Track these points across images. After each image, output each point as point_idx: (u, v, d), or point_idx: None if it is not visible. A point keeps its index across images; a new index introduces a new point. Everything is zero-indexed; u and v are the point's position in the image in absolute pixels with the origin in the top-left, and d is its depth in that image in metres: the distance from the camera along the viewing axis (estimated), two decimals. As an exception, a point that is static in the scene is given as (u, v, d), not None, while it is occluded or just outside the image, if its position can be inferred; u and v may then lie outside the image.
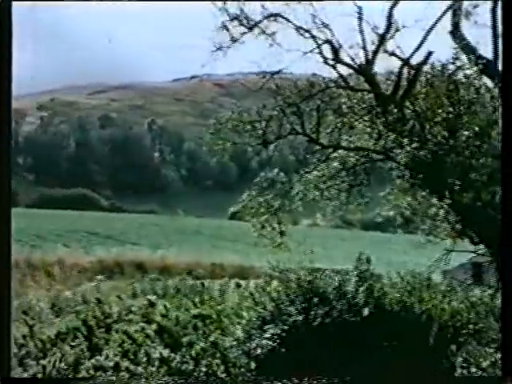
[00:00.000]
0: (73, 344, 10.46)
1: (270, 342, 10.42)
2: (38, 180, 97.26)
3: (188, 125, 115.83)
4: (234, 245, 46.58)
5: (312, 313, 10.91)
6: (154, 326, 10.69)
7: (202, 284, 21.09)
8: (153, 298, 13.34)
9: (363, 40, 15.30)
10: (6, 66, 6.57)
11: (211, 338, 10.26)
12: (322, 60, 15.29)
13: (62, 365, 9.58)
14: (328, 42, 15.17)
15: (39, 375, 9.42)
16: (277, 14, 14.92)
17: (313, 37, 15.08)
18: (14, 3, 8.68)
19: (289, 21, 14.97)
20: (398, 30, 15.30)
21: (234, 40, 14.92)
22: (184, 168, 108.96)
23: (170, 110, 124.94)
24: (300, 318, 10.84)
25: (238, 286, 20.69)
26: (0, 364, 6.37)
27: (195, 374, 9.39)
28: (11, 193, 6.51)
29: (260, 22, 14.95)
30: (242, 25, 14.90)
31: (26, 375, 9.33)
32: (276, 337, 10.55)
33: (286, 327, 10.72)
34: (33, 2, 10.78)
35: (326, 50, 15.26)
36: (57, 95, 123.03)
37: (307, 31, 15.04)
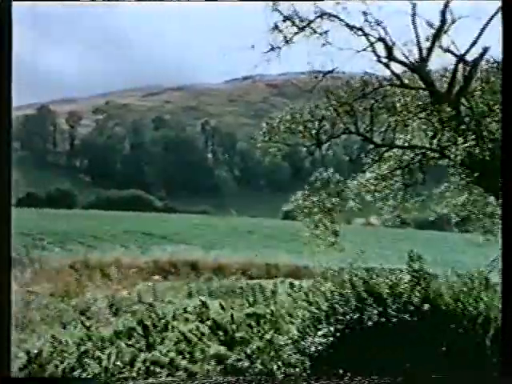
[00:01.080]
0: (129, 342, 10.61)
1: (324, 341, 10.42)
2: (94, 182, 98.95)
3: (241, 125, 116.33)
4: (287, 244, 46.57)
5: (366, 313, 10.86)
6: (208, 325, 10.78)
7: (257, 284, 21.19)
8: (207, 297, 13.44)
9: (417, 37, 15.15)
10: (6, 67, 6.63)
11: (266, 337, 10.30)
12: (375, 58, 15.20)
13: (119, 362, 9.74)
14: (381, 39, 15.07)
15: (94, 370, 9.57)
16: (329, 13, 14.88)
17: (365, 35, 15.00)
18: (14, 2, 8.59)
19: (341, 19, 14.92)
20: (454, 22, 15.04)
21: (286, 40, 14.95)
22: (237, 168, 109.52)
23: (222, 111, 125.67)
24: (354, 317, 10.81)
25: (292, 285, 20.69)
26: (0, 364, 6.44)
27: (250, 371, 9.44)
28: (11, 193, 6.56)
29: (312, 21, 14.94)
30: (294, 25, 14.91)
31: (84, 375, 9.50)
32: (330, 336, 10.54)
33: (340, 326, 10.70)
34: (33, 2, 10.88)
35: (380, 47, 15.16)
36: (112, 98, 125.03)
37: (360, 29, 14.96)
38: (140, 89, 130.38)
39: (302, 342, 10.48)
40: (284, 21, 14.87)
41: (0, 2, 6.75)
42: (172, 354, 9.47)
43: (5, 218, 6.48)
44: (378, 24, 14.90)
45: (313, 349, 10.27)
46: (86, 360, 10.00)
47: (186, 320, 11.55)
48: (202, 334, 10.32)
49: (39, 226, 55.15)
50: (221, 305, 12.45)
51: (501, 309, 9.62)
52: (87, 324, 11.72)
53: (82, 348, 10.21)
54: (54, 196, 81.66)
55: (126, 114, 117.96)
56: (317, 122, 15.40)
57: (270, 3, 14.77)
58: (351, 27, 14.92)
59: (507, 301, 8.79)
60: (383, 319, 10.70)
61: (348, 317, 10.86)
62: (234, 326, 10.79)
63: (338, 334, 10.59)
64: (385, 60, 15.22)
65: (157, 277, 27.42)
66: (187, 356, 9.78)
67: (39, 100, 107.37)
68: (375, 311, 10.82)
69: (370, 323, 10.73)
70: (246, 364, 9.62)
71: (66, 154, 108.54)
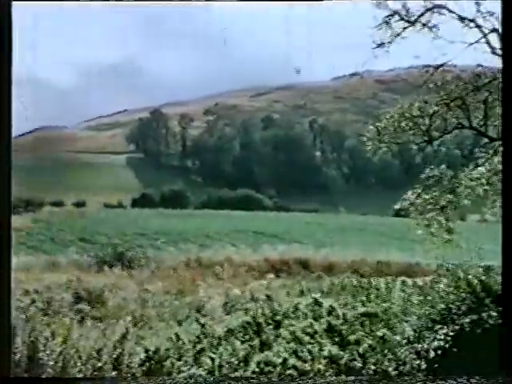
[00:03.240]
0: (243, 340, 10.74)
1: (442, 343, 10.18)
2: (206, 182, 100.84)
3: (349, 122, 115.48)
4: (398, 242, 45.85)
5: (484, 314, 10.52)
6: (321, 324, 10.77)
7: (368, 282, 20.97)
8: (319, 295, 13.42)
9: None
10: (6, 67, 6.72)
11: (379, 336, 10.17)
12: (488, 50, 14.69)
13: (233, 360, 9.87)
14: (495, 30, 14.56)
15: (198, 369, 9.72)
16: (439, 6, 14.52)
17: (478, 26, 14.53)
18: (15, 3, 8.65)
19: (452, 11, 14.52)
20: None
21: (395, 35, 14.71)
22: (346, 166, 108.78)
23: (330, 109, 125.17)
24: (471, 317, 10.50)
25: (404, 283, 20.36)
26: (0, 364, 6.54)
27: (363, 371, 9.36)
28: (11, 193, 6.65)
29: (422, 15, 14.62)
30: (402, 19, 14.65)
31: (199, 372, 9.67)
32: (446, 336, 10.29)
33: (456, 327, 10.43)
34: (33, 2, 11.05)
35: (493, 39, 14.64)
36: (221, 99, 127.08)
37: (472, 21, 14.51)
38: (248, 89, 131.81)
39: (417, 342, 10.30)
40: (392, 16, 14.63)
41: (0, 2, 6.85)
42: (285, 354, 9.51)
43: (5, 220, 6.59)
44: (491, 15, 14.40)
45: (428, 348, 10.07)
46: (201, 357, 10.19)
47: (299, 318, 11.58)
48: (315, 332, 10.32)
49: (154, 226, 56.84)
50: (332, 303, 12.41)
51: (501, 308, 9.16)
52: (202, 321, 11.96)
53: (198, 346, 10.43)
54: (167, 196, 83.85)
55: (236, 115, 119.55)
56: (427, 118, 15.06)
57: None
58: (463, 19, 14.49)
59: (507, 301, 8.36)
60: (501, 320, 10.33)
61: (464, 316, 10.58)
62: (346, 325, 10.73)
63: (454, 334, 10.33)
64: (499, 51, 14.68)
65: (268, 275, 27.69)
66: (299, 355, 9.79)
67: (152, 104, 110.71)
68: (493, 312, 10.46)
69: (487, 325, 10.40)
70: (359, 364, 9.54)
71: (178, 156, 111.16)
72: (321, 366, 9.44)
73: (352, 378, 9.11)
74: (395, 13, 14.61)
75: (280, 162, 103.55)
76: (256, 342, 10.51)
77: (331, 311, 11.48)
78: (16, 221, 61.48)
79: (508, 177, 8.24)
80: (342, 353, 9.58)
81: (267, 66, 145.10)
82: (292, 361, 9.48)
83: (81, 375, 9.69)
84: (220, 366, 9.73)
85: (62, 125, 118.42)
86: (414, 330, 10.54)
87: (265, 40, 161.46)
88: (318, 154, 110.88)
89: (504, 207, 8.50)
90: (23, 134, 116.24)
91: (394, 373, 9.42)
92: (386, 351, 10.03)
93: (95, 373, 9.77)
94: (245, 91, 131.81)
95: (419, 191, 15.26)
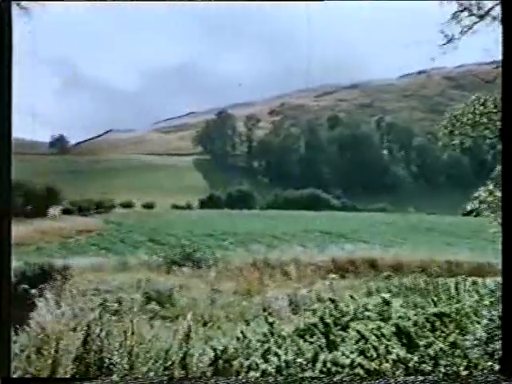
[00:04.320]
0: (311, 340, 10.71)
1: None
2: (272, 182, 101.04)
3: (417, 120, 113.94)
4: (469, 241, 45.00)
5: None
6: (389, 325, 10.63)
7: (438, 282, 20.61)
8: (387, 296, 13.25)
9: None
10: (6, 67, 6.74)
11: (450, 338, 9.99)
12: None
13: (300, 360, 9.85)
14: None
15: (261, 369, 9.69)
16: (510, -1, 14.13)
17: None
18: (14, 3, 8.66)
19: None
20: None
21: (464, 31, 14.41)
22: (414, 164, 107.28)
23: (397, 107, 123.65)
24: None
25: (475, 283, 19.93)
26: (0, 364, 6.56)
27: (434, 374, 9.20)
28: (11, 194, 6.66)
29: (492, 8, 14.29)
30: (472, 14, 14.34)
31: (267, 371, 9.68)
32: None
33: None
34: (34, 1, 11.08)
35: None
36: (286, 99, 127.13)
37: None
38: (314, 89, 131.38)
39: (490, 343, 10.07)
40: (461, 11, 14.33)
41: (0, 2, 6.89)
42: (353, 355, 9.43)
43: (5, 220, 6.65)
44: None
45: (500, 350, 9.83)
46: (268, 357, 10.21)
47: (367, 319, 11.47)
48: (383, 334, 10.20)
49: (221, 227, 57.35)
50: (402, 304, 12.26)
51: (501, 308, 8.76)
52: (270, 320, 11.98)
53: (266, 345, 10.45)
54: (234, 197, 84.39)
55: (301, 115, 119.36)
56: (500, 114, 14.69)
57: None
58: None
59: (507, 301, 8.01)
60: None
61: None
62: (415, 327, 10.56)
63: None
64: None
65: (335, 275, 27.55)
66: (368, 355, 9.70)
67: (218, 105, 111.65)
68: None
69: None
70: (429, 366, 9.39)
71: (244, 156, 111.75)
72: (388, 366, 9.33)
73: (420, 378, 8.97)
74: (464, 8, 14.32)
75: (346, 161, 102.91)
76: (323, 342, 10.46)
77: (400, 312, 11.31)
78: (87, 223, 63.00)
79: (508, 176, 8.01)
80: (410, 355, 9.44)
81: (332, 66, 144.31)
82: (359, 361, 9.40)
83: (151, 374, 9.84)
84: (288, 366, 9.73)
85: (130, 127, 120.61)
86: (487, 332, 10.31)
87: (330, 39, 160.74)
88: (385, 152, 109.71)
89: (504, 206, 8.25)
90: (93, 138, 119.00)
91: (464, 373, 9.24)
92: (457, 353, 9.85)
93: (165, 372, 9.90)
94: (310, 91, 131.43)
95: (491, 188, 14.92)
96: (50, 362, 10.23)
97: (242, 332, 11.32)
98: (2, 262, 6.22)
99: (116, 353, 10.09)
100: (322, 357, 9.70)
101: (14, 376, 10.48)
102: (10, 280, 6.32)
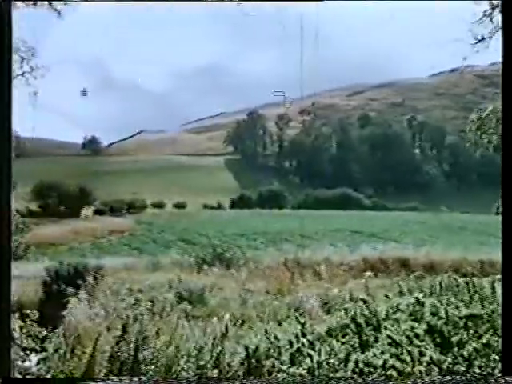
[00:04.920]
0: (343, 340, 10.67)
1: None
2: (303, 182, 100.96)
3: (449, 119, 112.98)
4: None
5: None
6: (422, 325, 10.55)
7: (471, 281, 20.36)
8: (420, 295, 13.15)
9: None
10: (6, 67, 6.73)
11: (483, 339, 9.88)
12: None
13: (333, 360, 9.82)
14: None
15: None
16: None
17: None
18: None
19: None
20: None
21: (495, 29, 14.25)
22: (446, 163, 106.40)
23: (429, 105, 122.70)
24: None
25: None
26: (0, 364, 6.55)
27: (468, 374, 9.11)
28: (11, 194, 6.63)
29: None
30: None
31: (298, 371, 9.67)
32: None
33: None
34: (34, 1, 11.09)
35: None
36: (317, 99, 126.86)
37: None
38: (345, 88, 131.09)
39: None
40: (493, 9, 14.18)
41: (0, 2, 6.86)
42: (385, 356, 9.37)
43: (5, 220, 6.62)
44: None
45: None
46: (299, 357, 10.20)
47: (399, 319, 11.40)
48: (416, 334, 10.12)
49: (252, 227, 57.45)
50: (434, 304, 12.16)
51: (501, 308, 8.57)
52: (302, 320, 11.96)
53: (296, 345, 10.43)
54: (265, 197, 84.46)
55: (332, 114, 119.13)
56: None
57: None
58: None
59: (507, 300, 7.85)
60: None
61: None
62: (449, 327, 10.47)
63: None
64: None
65: (368, 273, 27.38)
66: (400, 356, 9.65)
67: (249, 105, 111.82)
68: None
69: None
70: (463, 367, 9.30)
71: (275, 156, 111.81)
72: (422, 368, 9.26)
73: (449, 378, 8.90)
74: (495, 6, 14.17)
75: (378, 160, 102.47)
76: (355, 342, 10.42)
77: (433, 312, 11.22)
78: (119, 223, 63.54)
79: (508, 176, 7.88)
80: (443, 357, 9.36)
81: (363, 65, 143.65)
82: (392, 362, 9.35)
83: (184, 373, 9.88)
84: (319, 366, 9.71)
85: (161, 128, 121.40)
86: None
87: (360, 39, 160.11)
88: (416, 151, 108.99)
89: (504, 206, 8.13)
90: (124, 139, 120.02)
91: (499, 374, 9.13)
92: (491, 354, 9.75)
93: (197, 371, 9.94)
94: (341, 90, 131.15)
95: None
96: (84, 361, 10.34)
97: (273, 331, 11.32)
98: (1, 262, 6.27)
99: (149, 352, 10.15)
100: (353, 357, 9.67)
101: (48, 376, 10.60)
102: (10, 281, 6.37)
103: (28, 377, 10.69)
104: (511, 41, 7.87)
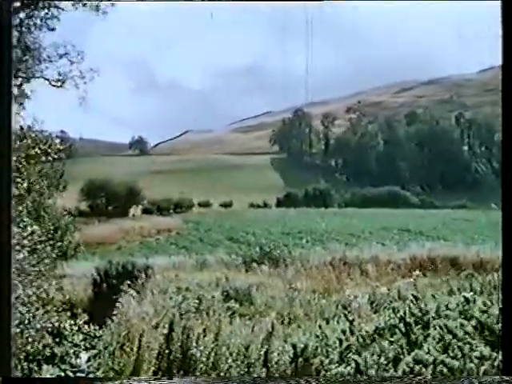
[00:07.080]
0: (392, 340, 10.59)
1: None
2: (349, 180, 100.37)
3: (498, 115, 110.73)
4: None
5: None
6: (472, 324, 10.42)
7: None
8: (469, 294, 12.97)
9: None
10: (6, 67, 6.70)
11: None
12: None
13: (382, 360, 9.75)
14: None
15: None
16: None
17: None
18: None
19: None
20: None
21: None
22: (495, 160, 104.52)
23: (478, 102, 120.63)
24: None
25: None
26: (0, 364, 6.55)
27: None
28: (11, 194, 6.59)
29: None
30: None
31: (347, 370, 9.62)
32: None
33: None
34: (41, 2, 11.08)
35: None
36: (363, 97, 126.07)
37: None
38: (391, 85, 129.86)
39: None
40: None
41: (0, 2, 6.86)
42: (436, 354, 9.27)
43: (5, 220, 6.62)
44: None
45: None
46: (349, 355, 10.16)
47: (449, 318, 11.26)
48: (466, 332, 9.99)
49: (299, 225, 57.35)
50: (485, 302, 11.98)
51: (501, 308, 8.27)
52: (350, 318, 11.90)
53: (345, 344, 10.39)
54: (311, 195, 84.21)
55: (379, 112, 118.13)
56: None
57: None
58: None
59: (507, 300, 7.59)
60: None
61: None
62: (499, 325, 10.31)
63: None
64: None
65: (417, 272, 27.09)
66: (451, 354, 9.53)
67: (294, 104, 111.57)
68: None
69: None
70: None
71: (321, 154, 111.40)
72: (473, 366, 9.14)
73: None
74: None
75: (425, 157, 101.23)
76: (404, 341, 10.33)
77: (484, 311, 11.06)
78: (167, 222, 64.13)
79: (508, 176, 7.69)
80: (495, 354, 9.22)
81: (410, 62, 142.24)
82: (443, 359, 9.25)
83: (232, 371, 9.93)
84: (367, 365, 9.65)
85: (207, 128, 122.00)
86: None
87: (407, 36, 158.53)
88: (465, 148, 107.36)
89: (504, 206, 7.92)
90: (171, 139, 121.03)
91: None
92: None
93: (245, 369, 9.97)
94: (388, 88, 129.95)
95: None
96: (133, 358, 10.46)
97: (321, 330, 11.30)
98: (1, 262, 6.37)
99: (198, 349, 10.22)
100: (404, 357, 9.58)
101: (98, 373, 10.75)
102: (10, 280, 6.46)
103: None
104: (511, 41, 7.73)
